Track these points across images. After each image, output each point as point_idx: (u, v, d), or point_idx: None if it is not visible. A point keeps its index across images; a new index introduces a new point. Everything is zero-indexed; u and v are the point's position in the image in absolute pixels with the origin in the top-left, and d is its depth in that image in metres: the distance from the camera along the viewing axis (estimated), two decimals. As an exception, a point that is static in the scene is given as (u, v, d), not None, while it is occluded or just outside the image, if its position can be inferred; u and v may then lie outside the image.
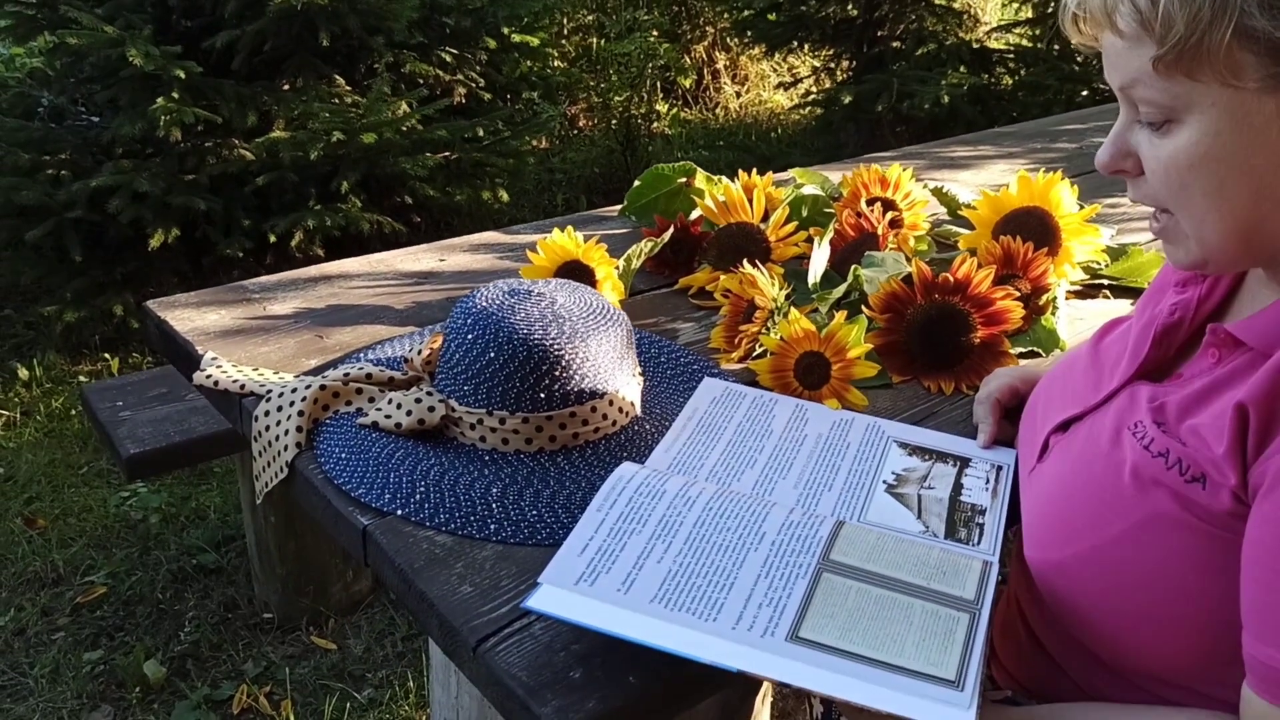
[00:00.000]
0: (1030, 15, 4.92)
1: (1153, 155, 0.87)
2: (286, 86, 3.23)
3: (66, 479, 2.72)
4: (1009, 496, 1.15)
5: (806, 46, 5.11)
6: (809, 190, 1.79)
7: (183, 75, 2.89)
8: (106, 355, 3.28)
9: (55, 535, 2.49)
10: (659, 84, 5.53)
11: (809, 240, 1.62)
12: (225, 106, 3.06)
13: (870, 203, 1.68)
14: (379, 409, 1.22)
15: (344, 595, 2.26)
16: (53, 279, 3.22)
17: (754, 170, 1.76)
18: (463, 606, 0.97)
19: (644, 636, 0.88)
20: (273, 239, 3.13)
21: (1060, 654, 1.04)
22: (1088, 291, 1.63)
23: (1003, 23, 5.38)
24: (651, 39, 5.16)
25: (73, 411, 3.01)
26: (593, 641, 0.93)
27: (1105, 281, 1.64)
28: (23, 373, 3.16)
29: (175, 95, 2.92)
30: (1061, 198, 1.59)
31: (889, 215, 1.64)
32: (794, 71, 6.02)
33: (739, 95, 5.95)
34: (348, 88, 3.32)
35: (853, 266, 1.50)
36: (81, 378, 3.19)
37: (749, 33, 4.93)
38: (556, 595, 0.93)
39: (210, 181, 3.11)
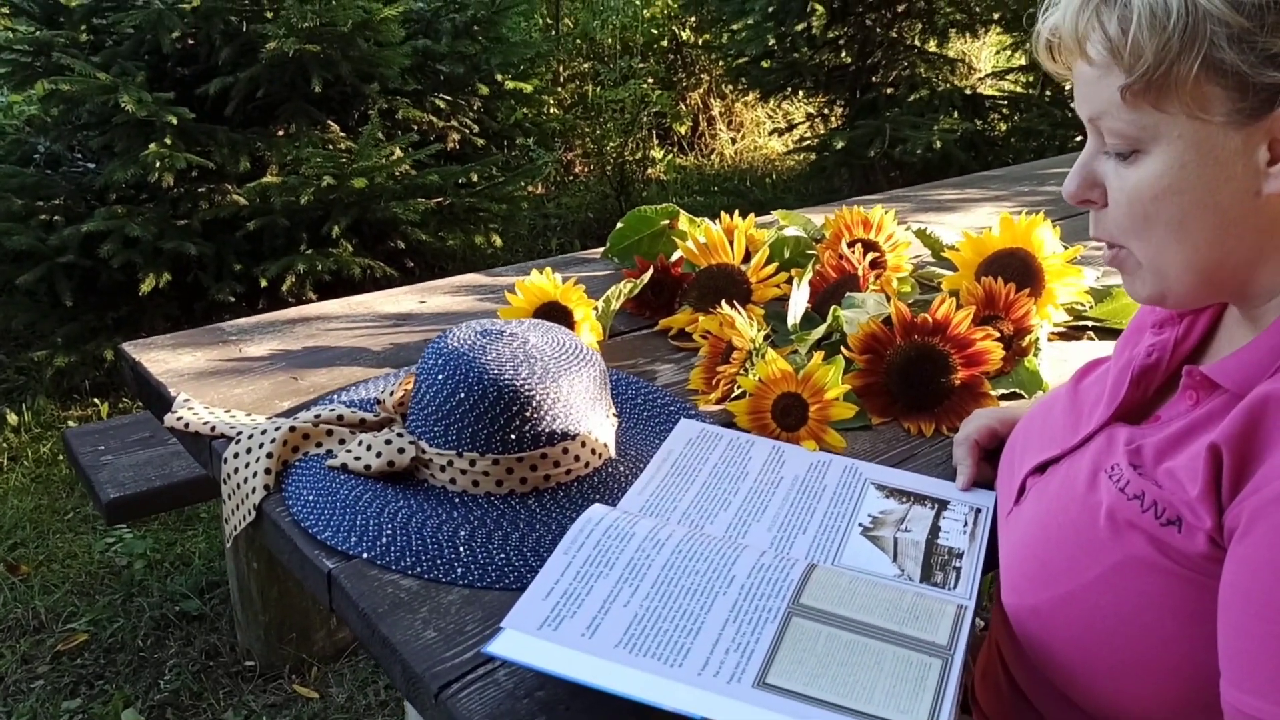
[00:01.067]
0: (1024, 62, 4.96)
1: (1118, 186, 0.86)
2: (280, 132, 3.25)
3: (52, 525, 2.69)
4: (988, 539, 1.13)
5: (800, 93, 5.14)
6: (791, 232, 1.79)
7: (175, 121, 2.90)
8: (96, 400, 3.26)
9: (38, 582, 2.46)
10: (654, 130, 5.56)
11: (790, 281, 1.62)
12: (218, 152, 3.07)
13: (852, 244, 1.67)
14: (349, 450, 1.20)
15: (327, 643, 2.23)
16: (44, 324, 3.22)
17: (747, 214, 1.76)
18: (426, 652, 0.95)
19: (607, 683, 0.86)
20: (264, 283, 3.13)
21: (1039, 699, 1.02)
22: (1071, 333, 1.62)
23: (996, 69, 5.42)
24: (646, 86, 5.19)
25: (60, 457, 2.99)
26: (557, 688, 0.91)
27: (1089, 323, 1.63)
28: (11, 418, 3.15)
29: (168, 141, 2.93)
30: (1044, 239, 1.59)
31: (870, 256, 1.64)
32: (788, 117, 6.05)
33: (734, 141, 5.99)
34: (341, 133, 3.33)
35: (833, 307, 1.49)
36: (71, 422, 3.17)
37: (743, 80, 4.97)
38: (519, 640, 0.91)
39: (202, 226, 3.12)
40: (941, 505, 1.19)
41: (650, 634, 0.91)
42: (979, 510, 1.18)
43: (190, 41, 3.20)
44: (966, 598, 1.04)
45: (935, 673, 0.89)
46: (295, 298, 3.24)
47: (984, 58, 6.04)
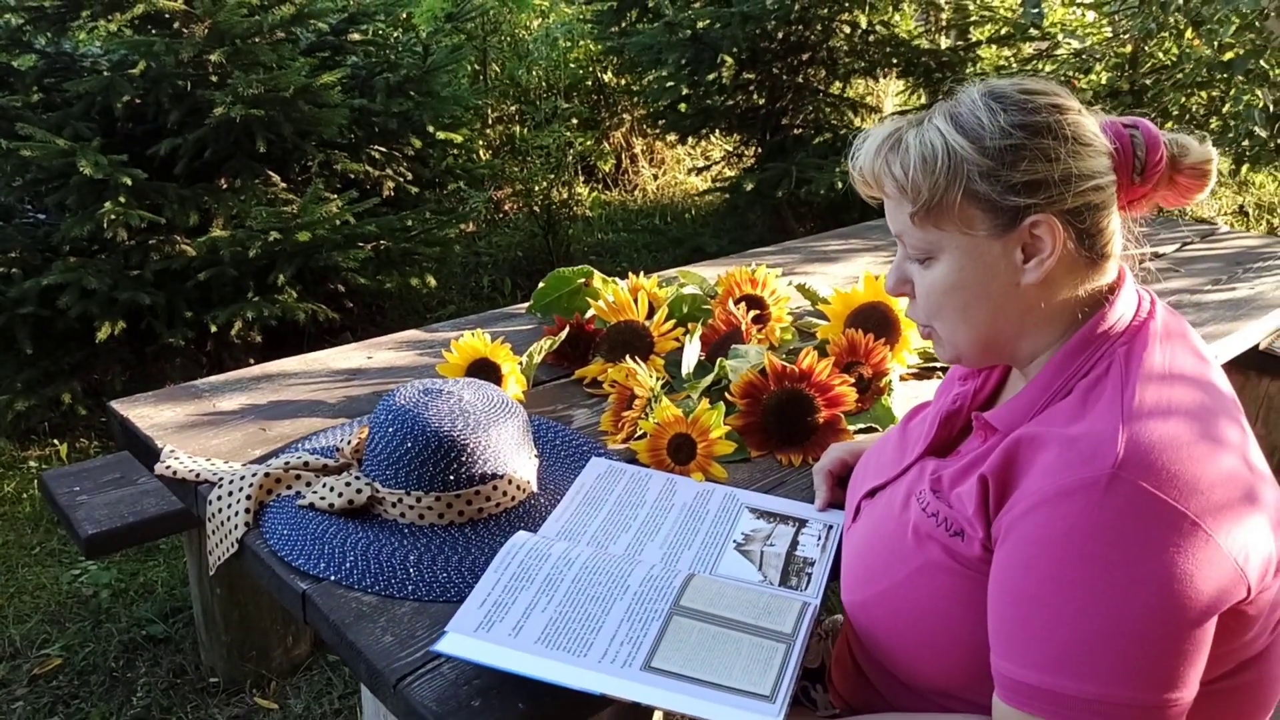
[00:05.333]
0: (924, 101, 5.30)
1: (919, 283, 1.16)
2: (224, 185, 3.47)
3: (20, 559, 2.89)
4: (836, 550, 1.41)
5: (717, 133, 5.44)
6: (689, 290, 2.07)
7: (129, 182, 3.12)
8: (55, 441, 3.45)
9: (11, 612, 2.66)
10: (579, 167, 5.84)
11: (687, 334, 1.89)
12: (169, 208, 3.28)
13: (739, 301, 1.96)
14: (315, 492, 1.45)
15: (284, 659, 2.46)
16: (2, 369, 3.39)
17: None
18: (386, 653, 1.20)
19: (529, 670, 1.13)
20: (214, 329, 3.34)
21: (874, 676, 1.29)
22: (924, 373, 1.91)
23: (898, 109, 5.78)
24: (569, 132, 5.46)
25: (24, 495, 3.18)
26: (490, 677, 1.16)
27: (937, 364, 1.93)
28: (-27, 460, 3.34)
29: (122, 200, 3.14)
30: (899, 295, 1.88)
31: (752, 313, 1.92)
32: (707, 155, 6.37)
33: (656, 178, 6.29)
34: (283, 185, 3.56)
35: (720, 358, 1.77)
36: (31, 463, 3.36)
37: (661, 122, 5.25)
38: (460, 640, 1.17)
39: (154, 276, 3.32)
40: (801, 524, 1.47)
41: (562, 632, 1.18)
42: (831, 526, 1.46)
43: (139, 101, 3.41)
44: (814, 596, 1.32)
45: (780, 654, 1.17)
46: (242, 340, 3.46)
47: (890, 93, 6.40)
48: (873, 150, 1.14)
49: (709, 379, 1.75)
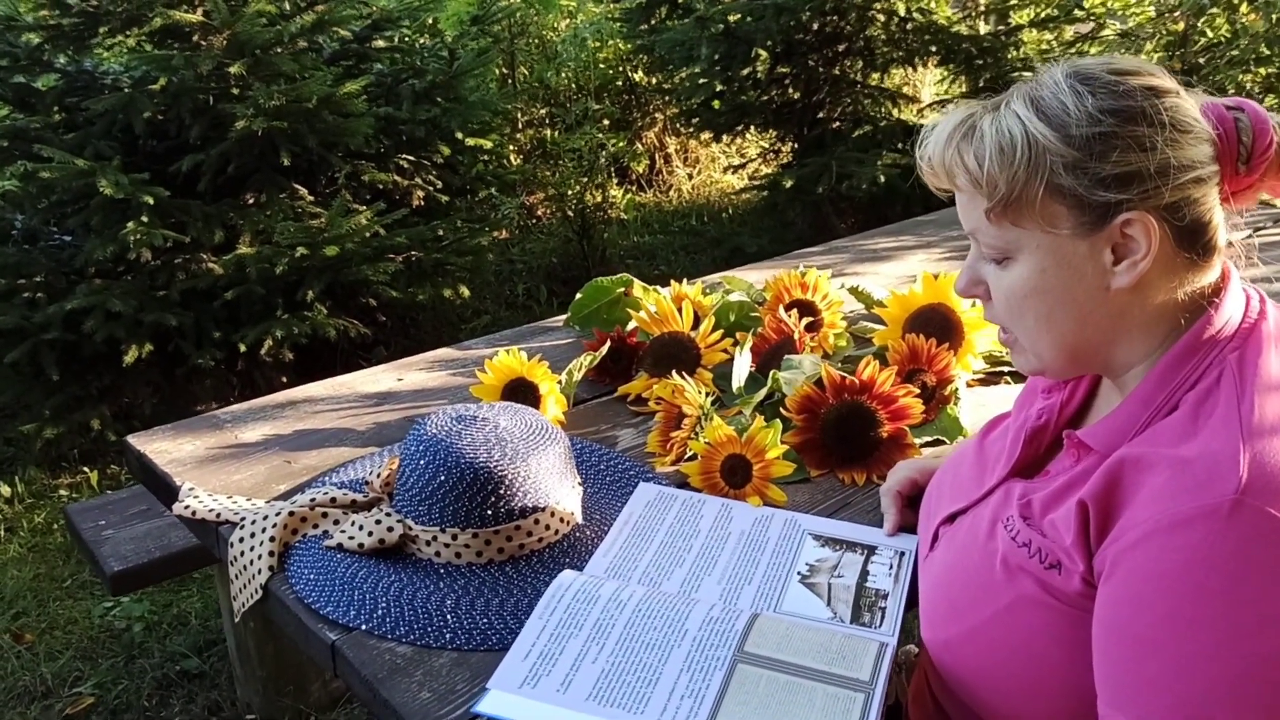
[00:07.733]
0: (964, 90, 5.15)
1: (996, 285, 1.04)
2: (250, 201, 3.38)
3: (51, 592, 2.81)
4: (910, 580, 1.29)
5: (752, 129, 5.32)
6: (735, 297, 1.95)
7: (151, 201, 3.04)
8: (85, 469, 3.38)
9: (43, 648, 2.58)
10: (612, 170, 5.73)
11: (735, 344, 1.77)
12: (193, 226, 3.20)
13: (789, 307, 1.83)
14: (343, 531, 1.35)
15: (323, 693, 2.36)
16: (30, 396, 3.32)
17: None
18: (422, 711, 1.10)
19: (580, 732, 1.02)
20: (243, 348, 3.26)
21: (957, 718, 1.17)
22: (990, 379, 1.78)
23: (938, 98, 5.63)
24: (600, 134, 5.35)
25: (55, 526, 3.10)
26: (538, 737, 1.05)
27: (1005, 369, 1.80)
28: (4, 490, 3.26)
29: (144, 219, 3.06)
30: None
31: (805, 320, 1.80)
32: (743, 152, 6.24)
33: (690, 177, 6.17)
34: (310, 198, 3.47)
35: (772, 371, 1.65)
36: (62, 492, 3.29)
37: (695, 120, 5.14)
38: (503, 699, 1.06)
39: (180, 297, 3.24)
40: (870, 551, 1.35)
41: (616, 686, 1.07)
42: (903, 554, 1.34)
43: (160, 117, 3.34)
44: (889, 635, 1.20)
45: (859, 705, 1.05)
46: (273, 358, 3.37)
47: (928, 83, 6.24)
48: (943, 138, 1.02)
49: (762, 393, 1.63)
